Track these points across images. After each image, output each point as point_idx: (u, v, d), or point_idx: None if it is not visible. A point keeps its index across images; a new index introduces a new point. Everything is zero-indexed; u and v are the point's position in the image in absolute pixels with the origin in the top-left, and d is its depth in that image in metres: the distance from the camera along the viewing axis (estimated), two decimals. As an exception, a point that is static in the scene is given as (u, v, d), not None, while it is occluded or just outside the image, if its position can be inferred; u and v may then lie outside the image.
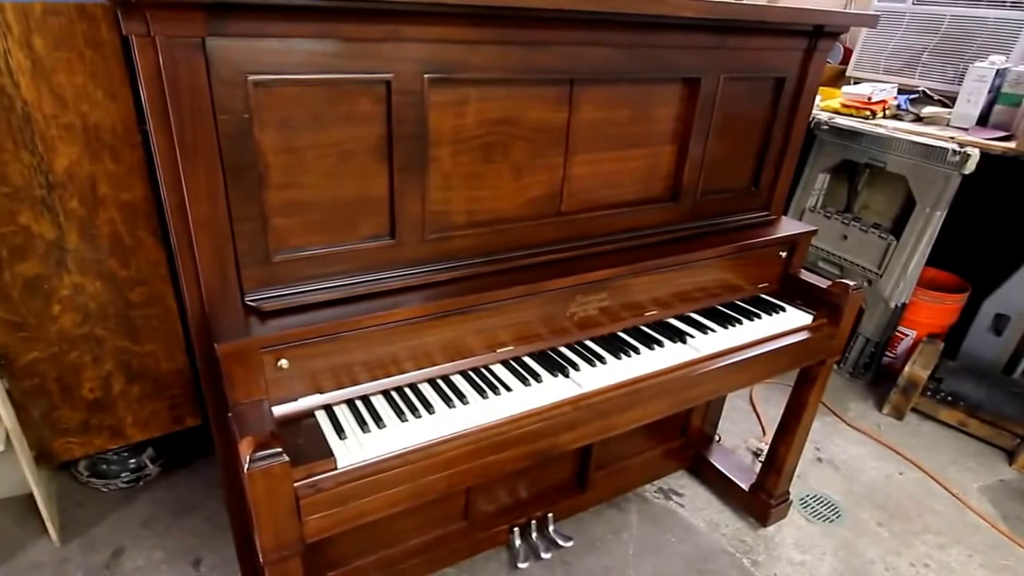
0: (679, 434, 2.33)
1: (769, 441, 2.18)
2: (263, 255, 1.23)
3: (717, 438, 2.50)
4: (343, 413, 1.29)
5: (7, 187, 1.59)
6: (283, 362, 1.21)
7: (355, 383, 1.33)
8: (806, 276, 1.92)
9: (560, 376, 1.46)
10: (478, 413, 1.33)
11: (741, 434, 2.70)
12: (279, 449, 1.06)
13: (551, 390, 1.42)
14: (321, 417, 1.27)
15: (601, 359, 1.53)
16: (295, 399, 1.27)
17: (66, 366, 1.82)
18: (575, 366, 1.50)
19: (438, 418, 1.30)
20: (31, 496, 1.86)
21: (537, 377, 1.44)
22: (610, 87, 1.52)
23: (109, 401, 1.92)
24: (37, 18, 1.48)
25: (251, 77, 1.10)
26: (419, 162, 1.32)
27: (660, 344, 1.61)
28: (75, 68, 1.55)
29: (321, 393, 1.29)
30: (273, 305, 1.23)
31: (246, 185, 1.17)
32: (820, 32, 1.71)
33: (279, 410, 1.25)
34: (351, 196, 1.29)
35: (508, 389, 1.40)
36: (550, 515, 2.03)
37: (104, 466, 2.10)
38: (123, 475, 2.12)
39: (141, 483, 2.17)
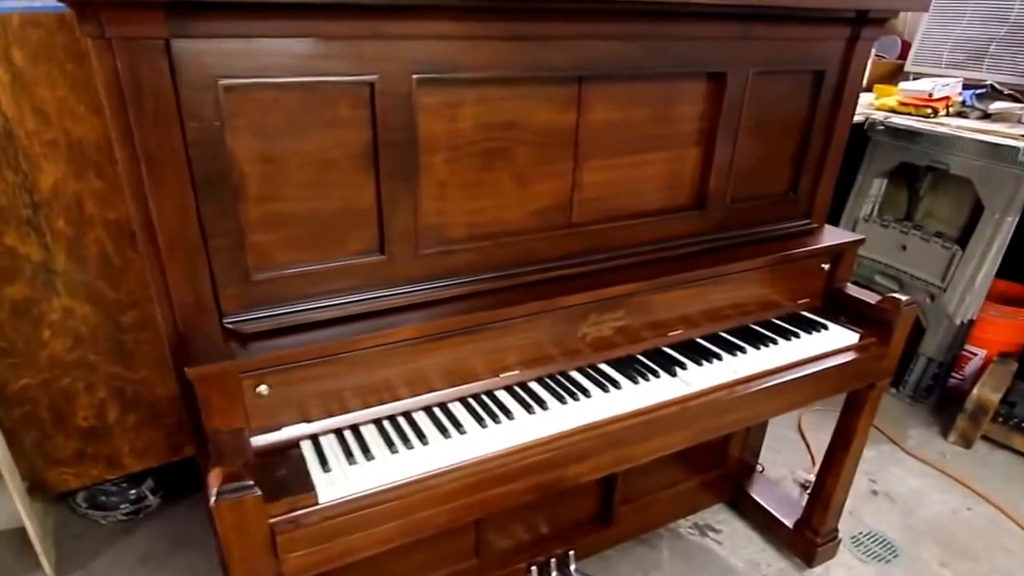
0: (715, 464, 2.22)
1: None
2: (242, 274, 1.19)
3: (760, 468, 2.39)
4: (329, 443, 1.25)
5: (-10, 208, 1.60)
6: (263, 388, 1.17)
7: (344, 411, 1.29)
8: (852, 291, 1.81)
9: (569, 402, 1.39)
10: (476, 443, 1.27)
11: (788, 464, 2.57)
12: (250, 482, 1.01)
13: (558, 418, 1.35)
14: (306, 447, 1.23)
15: (615, 384, 1.46)
16: (279, 428, 1.23)
17: (58, 393, 1.83)
18: (586, 392, 1.42)
19: (432, 449, 1.25)
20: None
21: (542, 404, 1.38)
22: (624, 84, 1.45)
23: (104, 429, 1.92)
24: (15, 30, 1.49)
25: (222, 81, 1.07)
26: (408, 171, 1.27)
27: (683, 367, 1.53)
28: (56, 81, 1.55)
29: (308, 422, 1.25)
30: (253, 327, 1.19)
31: (220, 199, 1.13)
32: (864, 18, 1.61)
33: (262, 439, 1.21)
34: (336, 208, 1.25)
35: (510, 417, 1.34)
36: (571, 552, 1.94)
37: (103, 497, 2.09)
38: (122, 507, 2.11)
39: (141, 515, 2.16)
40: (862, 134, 2.90)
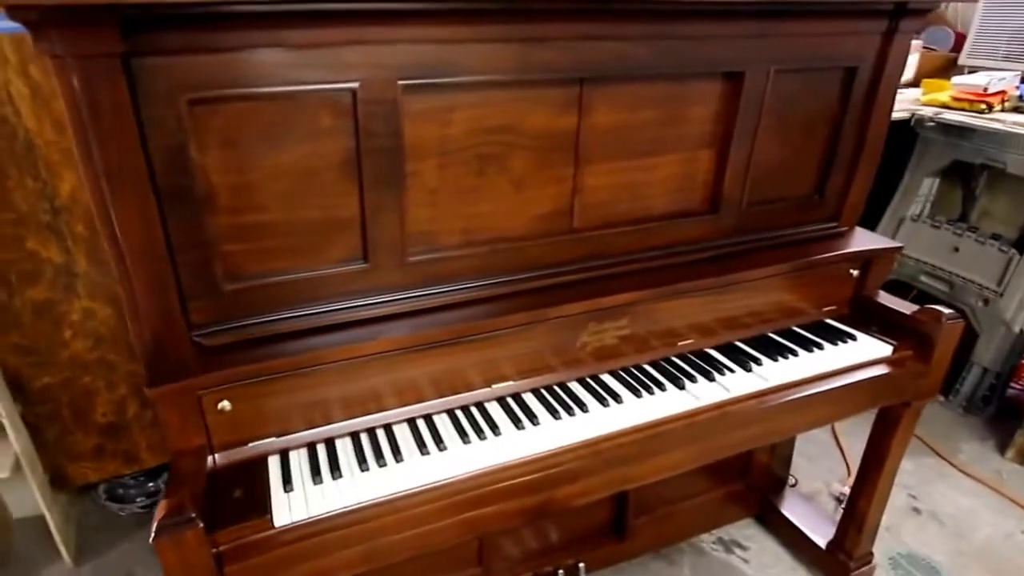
0: (740, 475, 2.06)
1: (853, 486, 1.89)
2: (211, 286, 1.13)
3: (792, 481, 2.22)
4: (298, 459, 1.18)
5: (12, 213, 1.61)
6: (224, 404, 1.11)
7: (319, 424, 1.21)
8: (885, 299, 1.63)
9: (564, 417, 1.29)
10: (456, 461, 1.18)
11: (822, 475, 2.39)
12: (192, 515, 0.94)
13: (549, 434, 1.25)
14: (273, 464, 1.16)
15: (616, 397, 1.35)
16: (244, 443, 1.16)
17: (78, 391, 1.84)
18: (582, 405, 1.32)
19: (407, 467, 1.16)
20: (53, 517, 1.89)
21: (533, 418, 1.28)
22: (629, 86, 1.33)
23: (123, 425, 1.93)
24: (31, 47, 1.47)
25: (185, 95, 1.00)
26: (394, 178, 1.18)
27: (692, 379, 1.41)
28: (70, 93, 1.54)
29: (278, 436, 1.18)
30: (220, 340, 1.13)
31: (186, 212, 1.07)
32: (902, 10, 1.44)
33: (227, 456, 1.15)
34: (316, 218, 1.18)
35: (496, 432, 1.24)
36: (581, 565, 1.83)
37: (121, 490, 2.11)
38: (139, 499, 2.13)
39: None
40: (909, 131, 2.67)
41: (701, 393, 1.38)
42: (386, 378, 1.24)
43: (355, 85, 1.10)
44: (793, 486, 2.23)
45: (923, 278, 2.78)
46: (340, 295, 1.22)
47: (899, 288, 2.90)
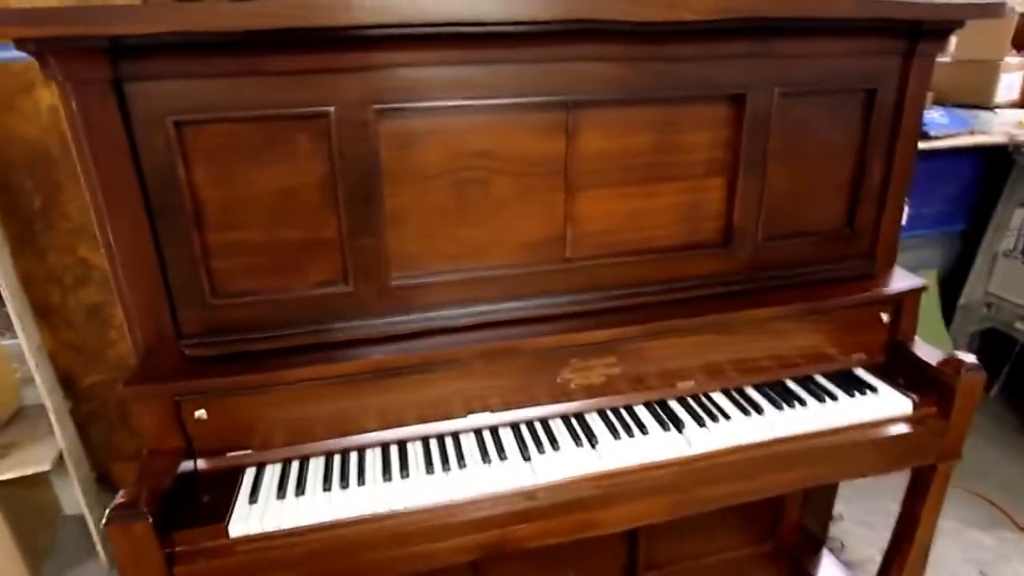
0: (768, 535, 1.96)
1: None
2: (199, 299, 1.23)
3: (839, 545, 2.09)
4: (271, 474, 1.26)
5: (69, 223, 1.81)
6: (201, 413, 1.20)
7: (294, 442, 1.28)
8: (919, 347, 1.52)
9: (533, 455, 1.29)
10: (414, 491, 1.22)
11: (878, 543, 2.20)
12: (143, 509, 1.04)
13: (512, 472, 1.26)
14: (248, 475, 1.25)
15: (592, 438, 1.33)
16: (225, 453, 1.25)
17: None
18: (555, 444, 1.32)
19: (368, 491, 1.21)
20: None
21: (502, 452, 1.29)
22: (620, 110, 1.34)
23: (163, 430, 2.08)
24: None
25: (171, 118, 1.12)
26: (372, 202, 1.25)
27: (679, 425, 1.37)
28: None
29: (258, 450, 1.27)
30: (203, 352, 1.23)
31: (176, 227, 1.19)
32: (919, 31, 1.38)
33: (211, 462, 1.24)
34: (298, 238, 1.26)
35: (462, 466, 1.27)
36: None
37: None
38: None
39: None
40: (1007, 158, 2.46)
41: (683, 441, 1.34)
42: (363, 402, 1.29)
43: (329, 109, 1.17)
44: (841, 548, 2.10)
45: (1018, 324, 2.54)
46: (322, 317, 1.29)
47: (996, 338, 2.68)
